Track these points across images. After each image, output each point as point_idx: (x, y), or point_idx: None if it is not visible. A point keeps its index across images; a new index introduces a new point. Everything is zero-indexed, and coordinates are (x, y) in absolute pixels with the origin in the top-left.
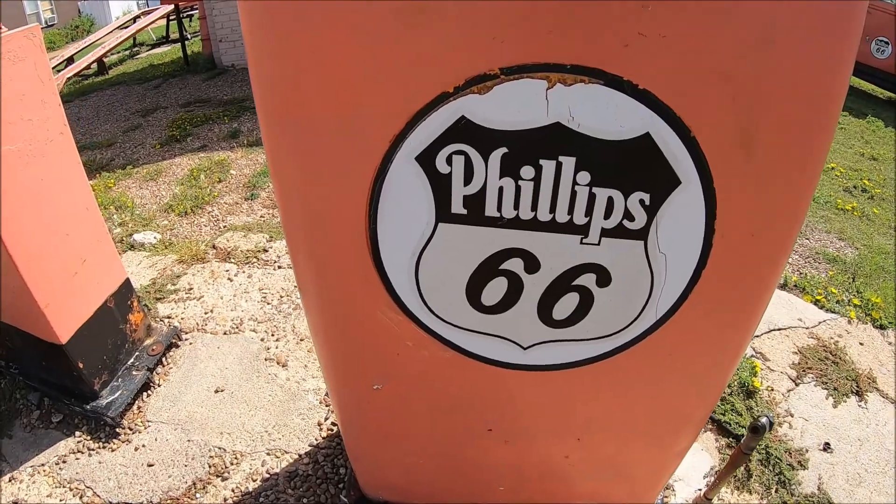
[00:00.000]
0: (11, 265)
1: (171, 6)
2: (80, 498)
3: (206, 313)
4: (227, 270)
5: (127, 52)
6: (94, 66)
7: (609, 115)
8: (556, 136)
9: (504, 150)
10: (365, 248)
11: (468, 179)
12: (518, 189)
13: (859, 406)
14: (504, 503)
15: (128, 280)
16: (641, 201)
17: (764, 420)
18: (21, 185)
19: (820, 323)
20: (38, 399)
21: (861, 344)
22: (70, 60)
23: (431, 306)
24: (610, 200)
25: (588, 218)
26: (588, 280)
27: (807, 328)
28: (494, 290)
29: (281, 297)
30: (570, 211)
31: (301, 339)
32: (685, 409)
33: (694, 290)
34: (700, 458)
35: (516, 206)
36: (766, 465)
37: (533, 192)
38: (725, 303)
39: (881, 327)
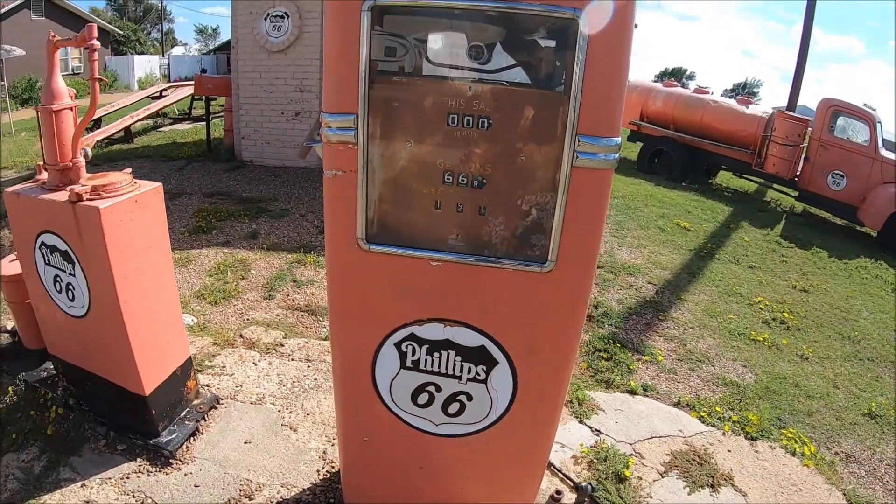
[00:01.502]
0: (126, 341)
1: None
2: (142, 503)
3: (236, 387)
4: (252, 357)
5: (150, 122)
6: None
7: (467, 338)
8: (447, 343)
9: (428, 346)
10: (369, 378)
11: (413, 354)
12: (431, 360)
13: (711, 495)
14: None
15: (190, 358)
16: (483, 369)
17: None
18: (140, 292)
19: (697, 434)
20: (105, 432)
21: (729, 451)
22: (98, 122)
23: (396, 404)
24: (469, 367)
25: (461, 373)
26: (463, 398)
27: (684, 437)
28: (422, 398)
29: (293, 382)
30: (454, 370)
31: (308, 414)
32: (528, 464)
33: (512, 406)
34: None
35: (432, 365)
36: None
37: (439, 361)
38: (530, 411)
39: (752, 439)
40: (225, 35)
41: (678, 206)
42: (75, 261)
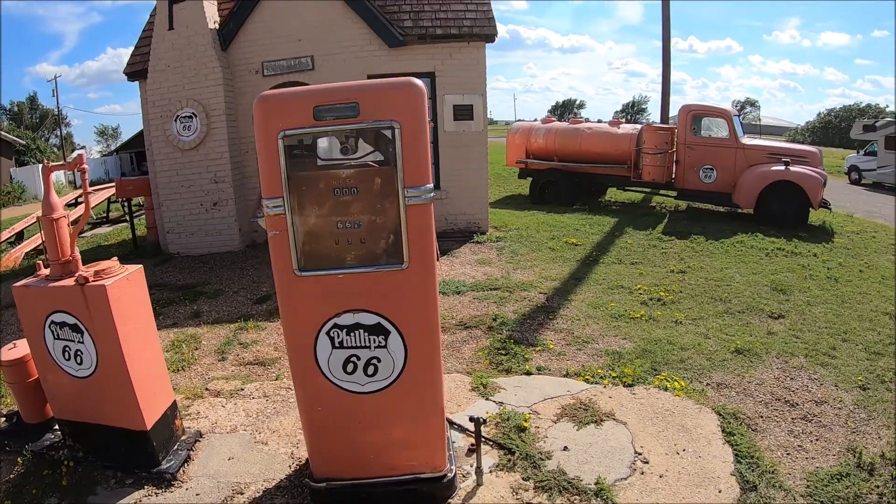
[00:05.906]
0: (130, 386)
1: (114, 186)
2: None
3: (212, 424)
4: (220, 402)
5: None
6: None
7: (368, 319)
8: (357, 325)
9: (346, 329)
10: (313, 360)
11: (338, 337)
12: (349, 338)
13: (596, 428)
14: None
15: (175, 401)
16: (382, 338)
17: (476, 415)
18: (136, 346)
19: (582, 390)
20: (114, 473)
21: (610, 397)
22: (20, 235)
23: (334, 375)
24: (373, 339)
25: (370, 343)
26: (375, 361)
27: (571, 394)
28: (350, 367)
29: (257, 413)
30: (365, 342)
31: (273, 432)
32: (428, 405)
33: (407, 362)
34: (485, 460)
35: (350, 342)
36: (525, 459)
37: (355, 338)
38: (420, 364)
39: (629, 385)
40: (126, 133)
41: (568, 227)
42: (84, 330)
